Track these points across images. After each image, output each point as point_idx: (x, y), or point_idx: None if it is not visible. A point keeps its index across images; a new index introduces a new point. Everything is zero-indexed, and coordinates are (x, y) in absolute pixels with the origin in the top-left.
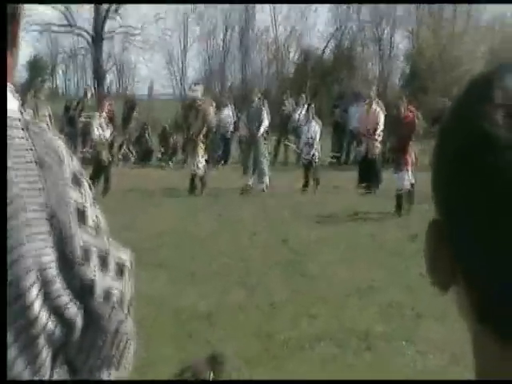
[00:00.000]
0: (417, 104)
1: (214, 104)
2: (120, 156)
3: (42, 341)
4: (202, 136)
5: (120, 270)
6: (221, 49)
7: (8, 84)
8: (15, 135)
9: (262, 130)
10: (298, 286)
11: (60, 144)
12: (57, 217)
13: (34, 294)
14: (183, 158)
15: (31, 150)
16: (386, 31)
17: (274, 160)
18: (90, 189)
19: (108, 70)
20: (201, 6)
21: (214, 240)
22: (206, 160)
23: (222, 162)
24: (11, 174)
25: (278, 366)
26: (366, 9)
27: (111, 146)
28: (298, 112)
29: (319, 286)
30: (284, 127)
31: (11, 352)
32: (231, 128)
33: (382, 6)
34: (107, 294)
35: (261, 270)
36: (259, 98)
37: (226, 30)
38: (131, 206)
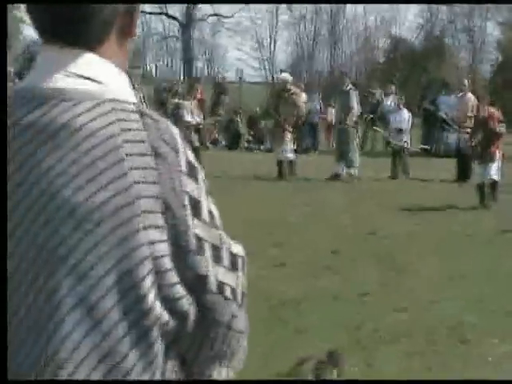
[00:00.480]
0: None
1: (304, 93)
2: (210, 140)
3: (155, 333)
4: (291, 123)
5: (234, 263)
6: (310, 36)
7: (123, 74)
8: (131, 126)
9: (352, 117)
10: (387, 278)
11: (175, 134)
12: (171, 208)
13: (149, 283)
14: (271, 145)
15: (146, 140)
16: (477, 22)
17: (361, 148)
18: (204, 180)
19: (198, 55)
20: None
21: (302, 228)
22: (294, 148)
23: (312, 149)
24: (126, 165)
25: (367, 358)
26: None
27: (201, 130)
28: (388, 101)
29: (409, 280)
30: (373, 115)
31: (124, 345)
32: (319, 115)
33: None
34: (220, 287)
35: (349, 260)
36: (349, 86)
37: (316, 18)
38: (220, 190)
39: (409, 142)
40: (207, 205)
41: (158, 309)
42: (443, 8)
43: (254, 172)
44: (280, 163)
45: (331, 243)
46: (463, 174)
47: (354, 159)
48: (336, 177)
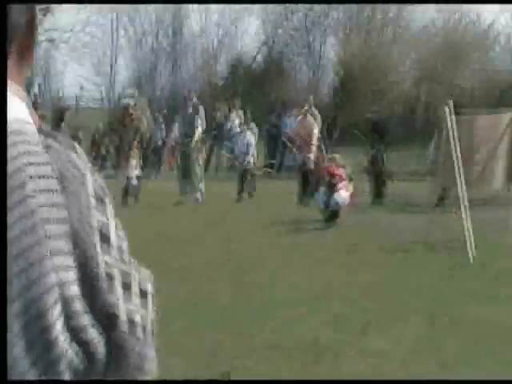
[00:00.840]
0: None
1: (147, 114)
2: None
3: (62, 367)
4: (135, 145)
5: (144, 301)
6: (151, 54)
7: (22, 92)
8: (32, 148)
9: (196, 137)
10: (242, 296)
11: (82, 158)
12: (79, 236)
13: (56, 313)
14: (115, 168)
15: (50, 162)
16: (315, 45)
17: (207, 168)
18: (113, 207)
19: (35, 77)
20: (131, 10)
21: (147, 258)
22: (139, 170)
23: (156, 171)
24: (29, 188)
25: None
26: (296, 17)
27: None
28: (232, 122)
29: (266, 295)
30: (218, 134)
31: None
32: (164, 135)
33: (312, 15)
34: (131, 326)
35: (208, 287)
36: (193, 107)
37: (157, 36)
38: None
39: (254, 160)
40: (116, 233)
41: (65, 341)
42: (281, 29)
43: None
44: (125, 189)
45: (185, 271)
46: (305, 195)
47: (198, 182)
48: (182, 200)
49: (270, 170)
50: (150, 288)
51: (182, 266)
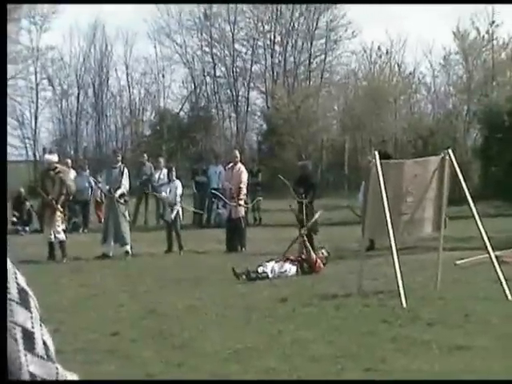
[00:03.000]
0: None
1: (72, 170)
2: None
3: None
4: (60, 202)
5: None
6: (74, 111)
7: None
8: None
9: (119, 192)
10: (172, 357)
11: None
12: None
13: None
14: (40, 225)
15: None
16: (240, 91)
17: (133, 224)
18: (37, 307)
19: None
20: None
21: (77, 313)
22: (64, 227)
23: (82, 228)
24: None
25: None
26: (219, 70)
27: None
28: (158, 174)
29: (194, 355)
30: (143, 190)
31: None
32: (89, 193)
33: (238, 64)
34: None
35: (130, 341)
36: (119, 162)
37: (79, 93)
38: None
39: (181, 214)
40: (41, 335)
41: None
42: (207, 79)
43: (22, 253)
44: (50, 244)
45: (110, 325)
46: (233, 244)
47: (126, 236)
48: (106, 256)
49: (199, 211)
50: None
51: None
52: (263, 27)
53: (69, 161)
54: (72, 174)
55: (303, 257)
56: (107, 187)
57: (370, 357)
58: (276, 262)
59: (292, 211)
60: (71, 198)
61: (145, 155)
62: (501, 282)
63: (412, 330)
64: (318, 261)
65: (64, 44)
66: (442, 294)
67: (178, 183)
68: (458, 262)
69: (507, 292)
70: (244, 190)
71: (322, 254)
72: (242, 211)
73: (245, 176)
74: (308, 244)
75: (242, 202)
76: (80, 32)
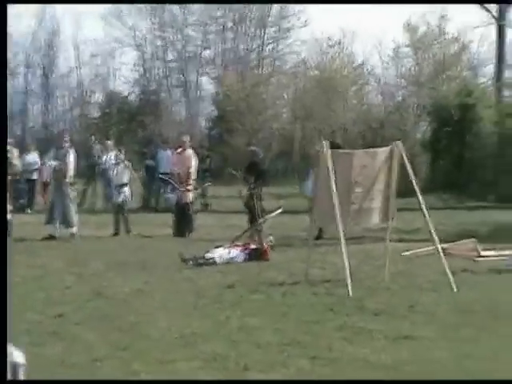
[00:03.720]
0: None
1: (17, 149)
2: None
3: None
4: (8, 180)
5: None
6: (22, 91)
7: None
8: None
9: (69, 174)
10: (118, 340)
11: None
12: None
13: None
14: None
15: None
16: (191, 77)
17: (81, 206)
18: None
19: None
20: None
21: (22, 295)
22: (10, 207)
23: (28, 209)
24: None
25: None
26: (171, 54)
27: None
28: (106, 156)
29: (140, 339)
30: (91, 172)
31: None
32: (36, 173)
33: (189, 49)
34: None
35: (75, 324)
36: (67, 143)
37: (27, 72)
38: None
39: (129, 197)
40: None
41: None
42: (157, 63)
43: None
44: None
45: (56, 307)
46: (181, 229)
47: (72, 218)
48: (54, 237)
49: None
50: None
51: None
52: (215, 13)
53: (12, 140)
54: (16, 152)
55: (253, 245)
56: (55, 163)
57: (317, 345)
58: (224, 248)
59: (240, 198)
60: (17, 177)
61: (93, 137)
62: (446, 274)
63: (358, 319)
64: (268, 248)
65: (13, 22)
66: (389, 284)
67: (123, 167)
68: (405, 254)
69: (452, 284)
70: (193, 176)
71: (271, 241)
72: (190, 196)
73: (194, 161)
74: (260, 233)
75: (190, 188)
76: (29, 11)
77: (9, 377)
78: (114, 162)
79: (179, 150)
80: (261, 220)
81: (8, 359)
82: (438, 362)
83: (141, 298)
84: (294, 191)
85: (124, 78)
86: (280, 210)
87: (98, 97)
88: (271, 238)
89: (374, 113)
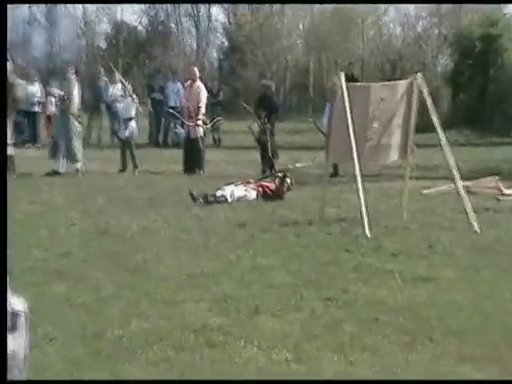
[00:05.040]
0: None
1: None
2: None
3: None
4: (8, 115)
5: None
6: (25, 20)
7: None
8: None
9: (74, 107)
10: (125, 279)
11: None
12: None
13: None
14: None
15: None
16: (201, 7)
17: (86, 140)
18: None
19: None
20: None
21: (27, 231)
22: (13, 141)
23: (30, 143)
24: None
25: (112, 369)
26: None
27: None
28: (113, 88)
29: (147, 279)
30: (97, 105)
31: None
32: (37, 106)
33: None
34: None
35: (81, 262)
36: (72, 75)
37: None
38: None
39: (137, 132)
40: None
41: None
42: None
43: None
44: None
45: (61, 244)
46: (191, 165)
47: (78, 152)
48: (56, 173)
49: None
50: (22, 313)
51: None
52: None
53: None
54: (21, 83)
55: (266, 182)
56: (60, 92)
57: (331, 286)
58: (236, 185)
59: (252, 133)
60: (17, 108)
61: (101, 69)
62: (467, 213)
63: (375, 259)
64: (284, 189)
65: None
66: (407, 223)
67: (130, 100)
68: (425, 192)
69: (473, 223)
70: (203, 110)
71: (287, 181)
72: (200, 131)
73: (204, 95)
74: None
75: (200, 122)
76: None
77: (9, 326)
78: (120, 94)
79: (188, 82)
80: (289, 165)
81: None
82: (455, 304)
83: (148, 236)
84: (308, 126)
85: (132, 9)
86: (311, 163)
87: (106, 28)
88: (288, 179)
89: (392, 44)
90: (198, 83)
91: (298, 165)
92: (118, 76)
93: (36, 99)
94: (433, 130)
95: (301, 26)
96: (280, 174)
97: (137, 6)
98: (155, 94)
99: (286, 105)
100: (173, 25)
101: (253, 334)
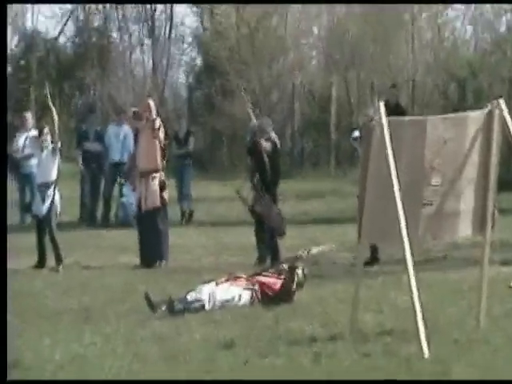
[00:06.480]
0: None
1: None
2: None
3: None
4: None
5: None
6: None
7: None
8: None
9: None
10: None
11: None
12: None
13: None
14: None
15: None
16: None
17: None
18: None
19: None
20: None
21: None
22: None
23: None
24: None
25: None
26: None
27: None
28: (23, 138)
29: None
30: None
31: None
32: None
33: None
34: None
35: None
36: None
37: None
38: None
39: (58, 204)
40: None
41: None
42: None
43: None
44: None
45: None
46: (147, 254)
47: None
48: None
49: None
50: None
51: None
52: None
53: None
54: None
55: (272, 280)
56: None
57: None
58: (218, 284)
59: (242, 201)
60: None
61: None
62: None
63: None
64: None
65: None
66: (488, 335)
67: (53, 153)
68: None
69: None
70: (160, 164)
71: (298, 274)
72: (158, 199)
73: (162, 140)
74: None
75: (156, 183)
76: None
77: None
78: (34, 147)
79: (141, 123)
80: (300, 252)
81: None
82: None
83: (81, 372)
84: (331, 187)
85: (49, 11)
86: (331, 249)
87: (9, 42)
88: (299, 269)
89: (460, 54)
90: (156, 122)
91: (314, 250)
92: (29, 118)
93: None
94: None
95: (315, 31)
96: (287, 265)
97: (58, 7)
98: (89, 143)
99: (296, 154)
100: (114, 33)
101: None
